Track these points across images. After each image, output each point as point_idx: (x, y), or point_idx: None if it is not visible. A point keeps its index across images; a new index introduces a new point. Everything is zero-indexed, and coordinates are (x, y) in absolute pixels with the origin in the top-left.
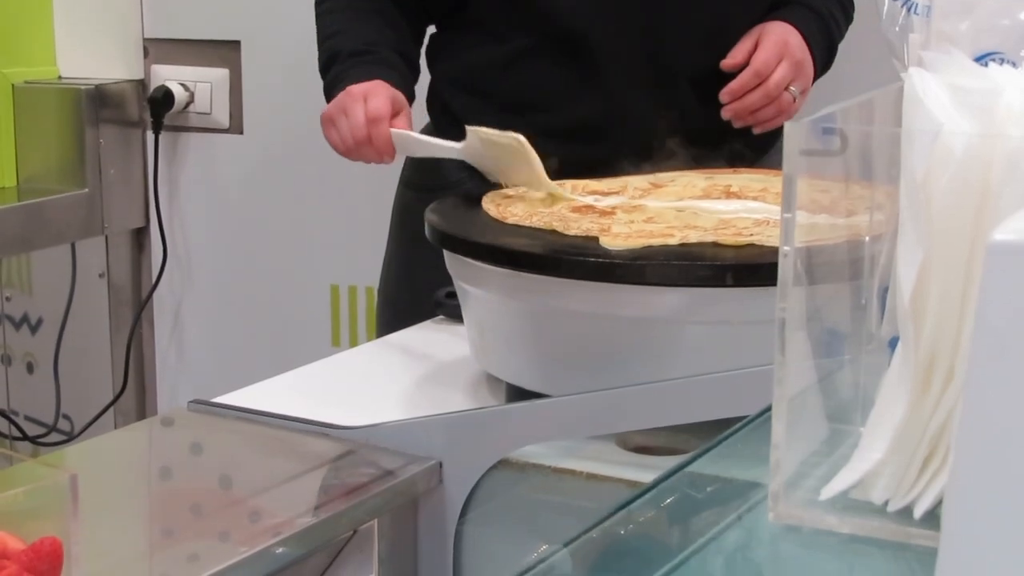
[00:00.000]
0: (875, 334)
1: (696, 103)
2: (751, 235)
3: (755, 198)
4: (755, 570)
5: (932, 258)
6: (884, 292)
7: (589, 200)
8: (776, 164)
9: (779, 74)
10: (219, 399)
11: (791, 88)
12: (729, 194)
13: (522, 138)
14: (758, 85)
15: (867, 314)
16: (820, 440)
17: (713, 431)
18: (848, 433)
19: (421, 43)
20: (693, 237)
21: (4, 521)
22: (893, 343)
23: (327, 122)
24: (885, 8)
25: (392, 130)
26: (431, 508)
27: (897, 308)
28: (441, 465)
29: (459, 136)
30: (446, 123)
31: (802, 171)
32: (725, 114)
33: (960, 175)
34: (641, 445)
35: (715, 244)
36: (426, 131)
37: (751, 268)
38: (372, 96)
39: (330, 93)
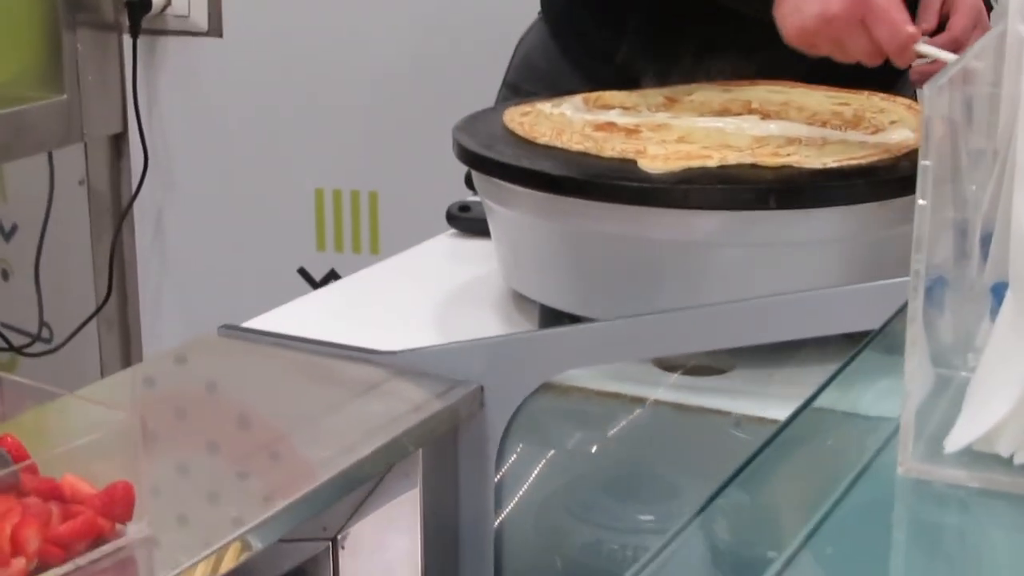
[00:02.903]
0: (976, 280)
1: None
2: (787, 155)
3: (777, 113)
4: (889, 529)
5: None
6: (987, 239)
7: (611, 117)
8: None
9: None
10: (249, 323)
11: None
12: (750, 110)
13: None
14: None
15: (969, 260)
16: (930, 386)
17: (750, 352)
18: (951, 378)
19: None
20: (731, 158)
21: (73, 464)
22: (996, 289)
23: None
24: None
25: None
26: (472, 433)
27: (1012, 261)
28: (483, 389)
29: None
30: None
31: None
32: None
33: None
34: (677, 365)
35: (753, 166)
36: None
37: (794, 191)
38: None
39: None
